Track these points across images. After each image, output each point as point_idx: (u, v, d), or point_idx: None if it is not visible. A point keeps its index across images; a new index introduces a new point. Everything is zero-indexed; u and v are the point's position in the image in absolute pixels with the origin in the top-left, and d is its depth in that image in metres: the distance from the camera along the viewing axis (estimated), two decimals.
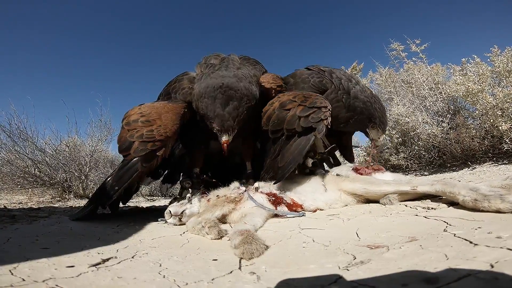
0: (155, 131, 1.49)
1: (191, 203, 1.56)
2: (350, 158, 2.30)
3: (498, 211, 0.96)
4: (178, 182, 2.42)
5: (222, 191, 1.61)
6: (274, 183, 1.61)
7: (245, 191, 1.56)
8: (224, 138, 1.53)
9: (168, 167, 2.41)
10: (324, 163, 1.98)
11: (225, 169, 2.46)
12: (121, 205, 2.63)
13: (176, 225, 1.50)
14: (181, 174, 2.48)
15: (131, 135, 1.51)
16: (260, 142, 2.09)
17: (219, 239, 1.17)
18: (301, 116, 1.53)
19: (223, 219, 1.47)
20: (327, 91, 1.85)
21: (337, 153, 2.52)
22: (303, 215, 1.40)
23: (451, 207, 1.16)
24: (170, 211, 1.51)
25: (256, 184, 1.61)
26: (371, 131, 1.93)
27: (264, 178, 1.74)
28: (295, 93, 1.73)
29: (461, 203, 1.10)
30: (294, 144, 1.57)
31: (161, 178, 2.49)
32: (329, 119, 1.56)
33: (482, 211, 1.00)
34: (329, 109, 1.58)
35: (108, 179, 1.62)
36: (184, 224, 1.46)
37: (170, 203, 1.70)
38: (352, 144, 2.48)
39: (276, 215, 1.45)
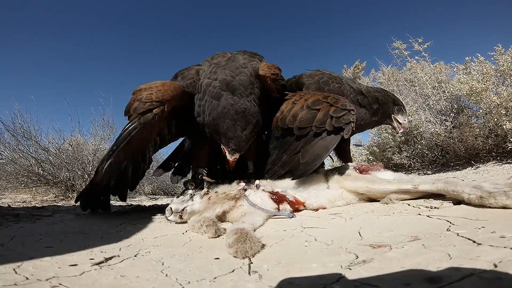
0: (154, 94, 1.65)
1: (192, 201, 1.56)
2: (347, 161, 2.28)
3: (504, 207, 0.97)
4: (182, 181, 2.44)
5: (222, 188, 1.62)
6: (292, 179, 1.64)
7: (244, 189, 1.56)
8: (236, 156, 1.64)
9: (178, 160, 2.51)
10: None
11: (227, 169, 2.46)
12: (124, 204, 2.65)
13: (177, 222, 1.50)
14: (191, 167, 2.52)
15: (134, 99, 1.69)
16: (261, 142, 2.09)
17: (216, 237, 1.17)
18: (334, 117, 1.60)
19: (223, 217, 1.47)
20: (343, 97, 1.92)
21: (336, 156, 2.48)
22: (293, 217, 1.39)
23: (454, 206, 1.15)
24: (171, 208, 1.51)
25: (257, 181, 1.61)
26: (397, 116, 1.94)
27: (275, 172, 1.77)
28: (324, 94, 1.79)
29: (467, 201, 1.10)
30: (320, 141, 1.63)
31: (172, 170, 2.55)
32: (355, 123, 1.64)
33: (489, 207, 1.00)
34: (355, 113, 1.66)
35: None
36: (185, 222, 1.47)
37: (172, 201, 1.70)
38: (354, 143, 2.45)
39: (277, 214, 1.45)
